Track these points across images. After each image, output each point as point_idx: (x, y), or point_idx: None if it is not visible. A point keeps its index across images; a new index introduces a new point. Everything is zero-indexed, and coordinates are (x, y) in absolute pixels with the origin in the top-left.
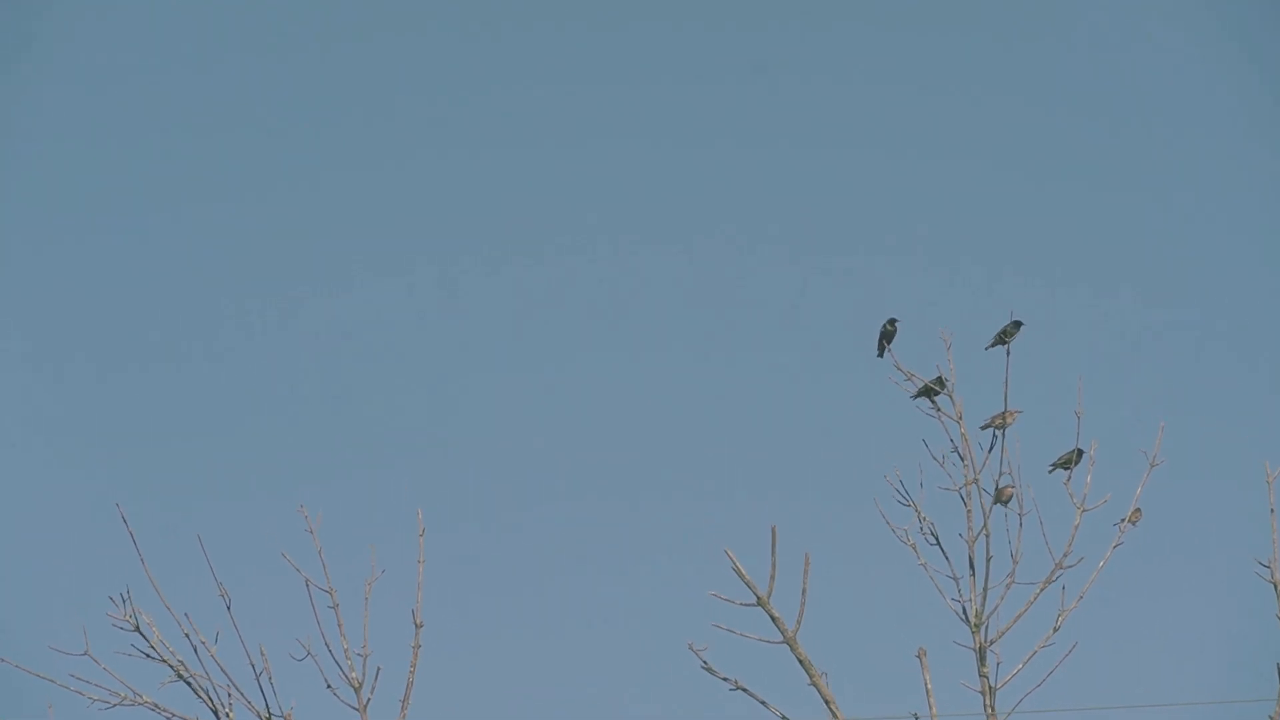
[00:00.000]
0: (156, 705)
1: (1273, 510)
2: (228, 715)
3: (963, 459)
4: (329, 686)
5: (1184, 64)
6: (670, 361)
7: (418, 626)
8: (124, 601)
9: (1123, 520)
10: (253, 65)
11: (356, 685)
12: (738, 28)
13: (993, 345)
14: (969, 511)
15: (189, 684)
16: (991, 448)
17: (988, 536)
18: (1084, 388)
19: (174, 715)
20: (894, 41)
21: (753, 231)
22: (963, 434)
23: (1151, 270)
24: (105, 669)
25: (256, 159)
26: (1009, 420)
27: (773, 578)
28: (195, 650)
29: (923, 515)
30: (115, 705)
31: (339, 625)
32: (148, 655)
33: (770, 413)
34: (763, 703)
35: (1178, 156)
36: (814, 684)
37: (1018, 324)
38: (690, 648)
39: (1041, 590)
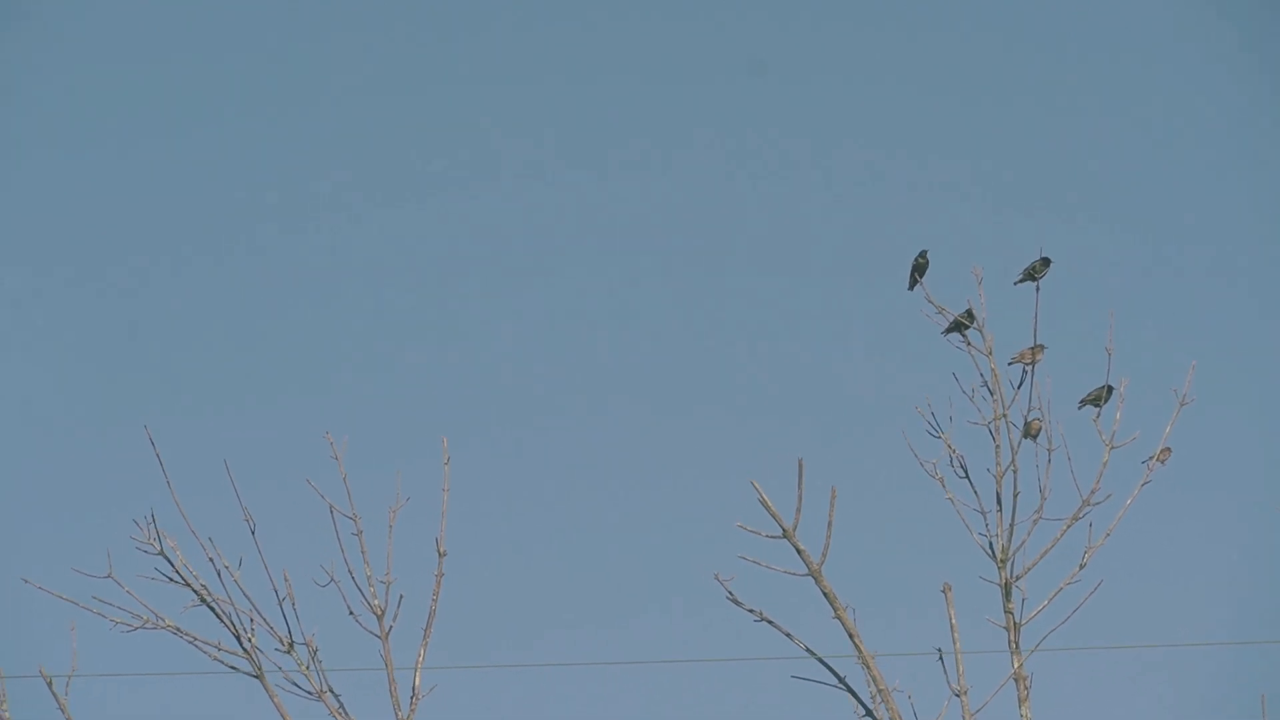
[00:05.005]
0: (179, 629)
1: None
2: (250, 640)
3: (992, 393)
4: (351, 613)
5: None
6: (698, 289)
7: (441, 555)
8: (148, 524)
9: (1151, 458)
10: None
11: (379, 612)
12: None
13: (1021, 281)
14: (997, 446)
15: (211, 608)
16: (1021, 383)
17: (1016, 471)
18: (1115, 324)
19: (196, 639)
20: None
21: (787, 161)
22: (993, 368)
23: (1185, 207)
24: (128, 591)
25: (266, 78)
26: (1037, 357)
27: (799, 510)
28: (219, 574)
29: (952, 448)
30: (137, 628)
31: (362, 552)
32: (171, 579)
33: (799, 343)
34: (787, 634)
35: (1212, 89)
36: (838, 617)
37: (1046, 261)
38: (717, 579)
39: (1068, 527)
